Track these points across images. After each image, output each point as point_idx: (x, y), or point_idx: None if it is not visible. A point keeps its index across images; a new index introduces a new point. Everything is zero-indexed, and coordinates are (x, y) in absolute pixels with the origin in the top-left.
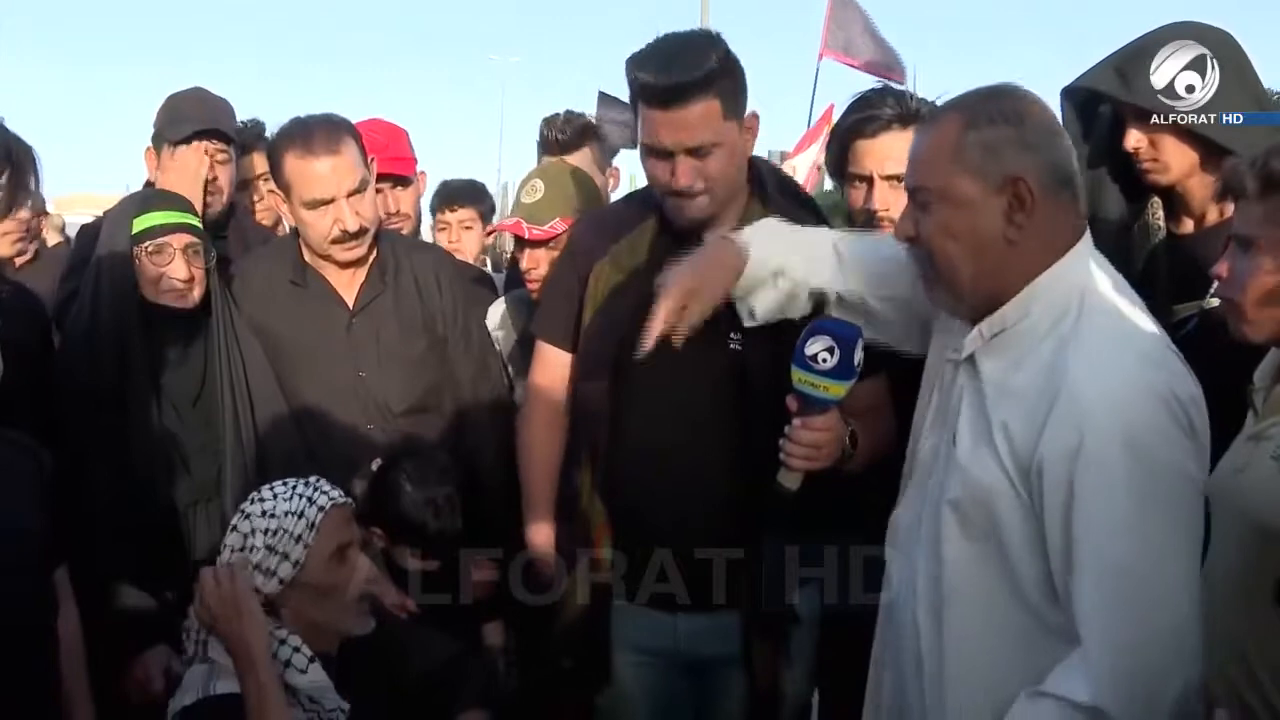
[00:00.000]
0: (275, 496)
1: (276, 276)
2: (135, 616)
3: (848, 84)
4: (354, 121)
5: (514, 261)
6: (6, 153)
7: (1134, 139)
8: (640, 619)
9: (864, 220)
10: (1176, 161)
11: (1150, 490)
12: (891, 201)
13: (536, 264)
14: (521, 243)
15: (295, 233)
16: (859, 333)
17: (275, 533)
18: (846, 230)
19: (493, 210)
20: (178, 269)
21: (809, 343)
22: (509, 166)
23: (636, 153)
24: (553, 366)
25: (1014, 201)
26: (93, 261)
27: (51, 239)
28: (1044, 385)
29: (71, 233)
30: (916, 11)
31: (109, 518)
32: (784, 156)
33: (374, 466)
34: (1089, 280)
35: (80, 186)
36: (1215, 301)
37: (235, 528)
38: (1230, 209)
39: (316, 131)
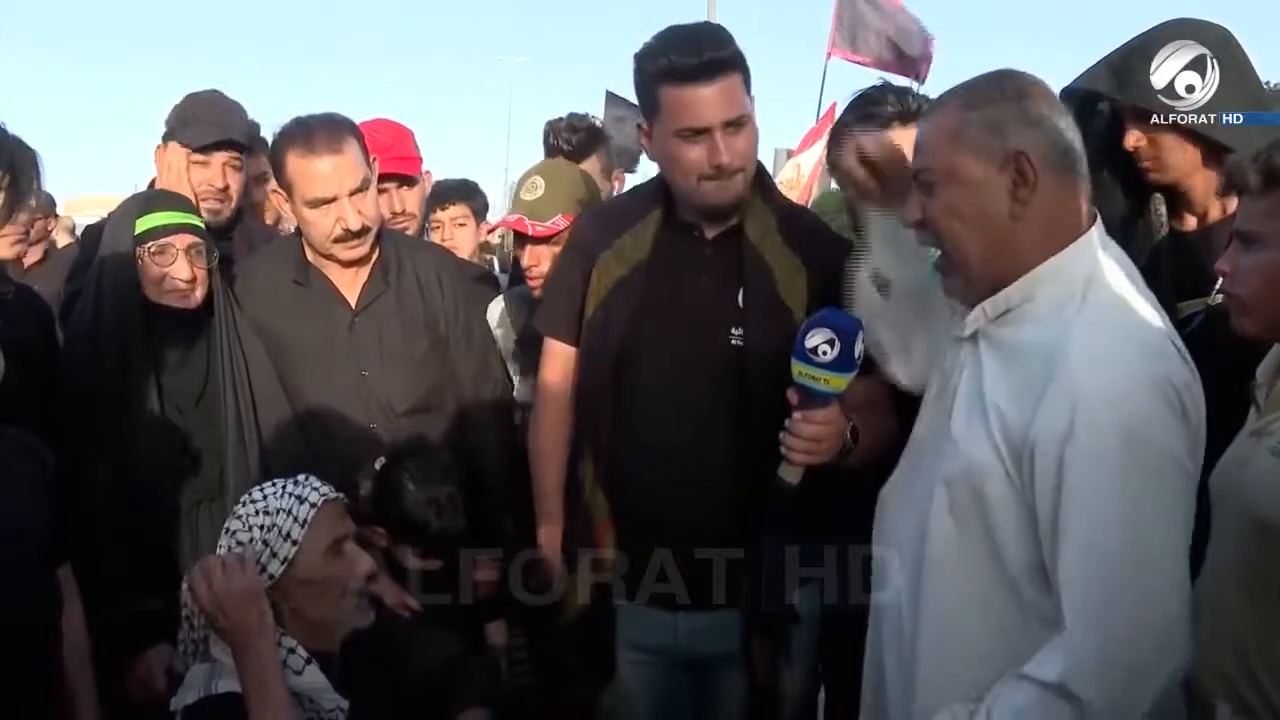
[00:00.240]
0: (266, 496)
1: (279, 276)
2: (137, 615)
3: (857, 83)
4: (359, 122)
5: (518, 261)
6: (9, 160)
7: (1134, 139)
8: (641, 617)
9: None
10: (1177, 160)
11: (1139, 473)
12: None
13: (538, 260)
14: (522, 239)
15: (298, 233)
16: (859, 325)
17: (269, 529)
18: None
19: (486, 207)
20: (180, 269)
21: (809, 335)
22: (516, 166)
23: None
24: (561, 362)
25: (1017, 178)
26: (95, 262)
27: (62, 240)
28: (1041, 368)
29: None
30: (925, 13)
31: (109, 517)
32: (789, 154)
33: (377, 465)
34: (1096, 270)
35: (89, 188)
36: (1220, 298)
37: (229, 529)
38: (1233, 205)
39: (318, 131)
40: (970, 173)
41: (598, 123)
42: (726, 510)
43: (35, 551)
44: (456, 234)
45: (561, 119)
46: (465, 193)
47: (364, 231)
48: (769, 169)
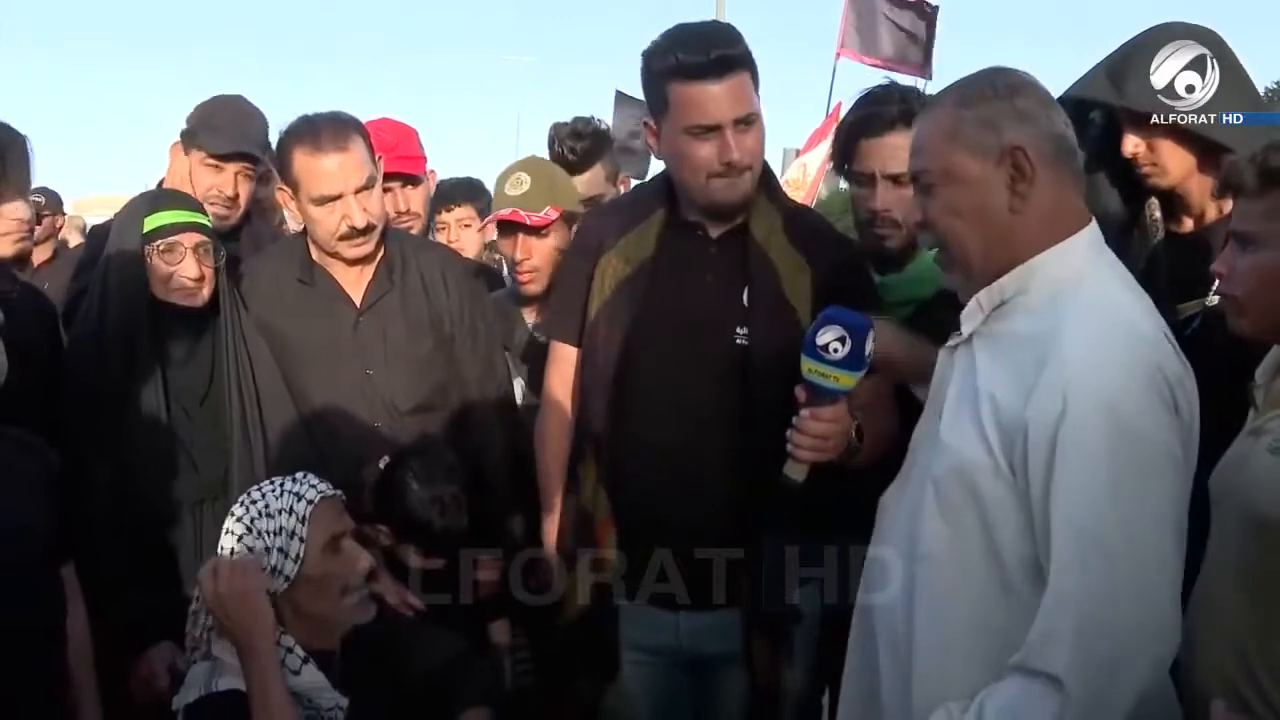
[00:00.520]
0: (265, 496)
1: (284, 275)
2: (139, 614)
3: (865, 83)
4: (364, 121)
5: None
6: None
7: (1131, 144)
8: (642, 617)
9: (867, 219)
10: (1175, 164)
11: (1128, 461)
12: (893, 201)
13: (529, 253)
14: (507, 233)
15: (303, 232)
16: (870, 323)
17: (276, 532)
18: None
19: (490, 207)
20: (188, 268)
21: (820, 332)
22: None
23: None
24: (567, 365)
25: (1015, 173)
26: (101, 260)
27: (73, 240)
28: (1035, 355)
29: None
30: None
31: (110, 517)
32: (796, 154)
33: (382, 464)
34: (1091, 268)
35: (98, 188)
36: (1217, 299)
37: (229, 530)
38: (1229, 206)
39: (324, 129)
40: (968, 170)
41: (603, 125)
42: (727, 510)
43: (39, 551)
44: (462, 235)
45: (566, 124)
46: (470, 193)
47: (369, 229)
48: (777, 169)
